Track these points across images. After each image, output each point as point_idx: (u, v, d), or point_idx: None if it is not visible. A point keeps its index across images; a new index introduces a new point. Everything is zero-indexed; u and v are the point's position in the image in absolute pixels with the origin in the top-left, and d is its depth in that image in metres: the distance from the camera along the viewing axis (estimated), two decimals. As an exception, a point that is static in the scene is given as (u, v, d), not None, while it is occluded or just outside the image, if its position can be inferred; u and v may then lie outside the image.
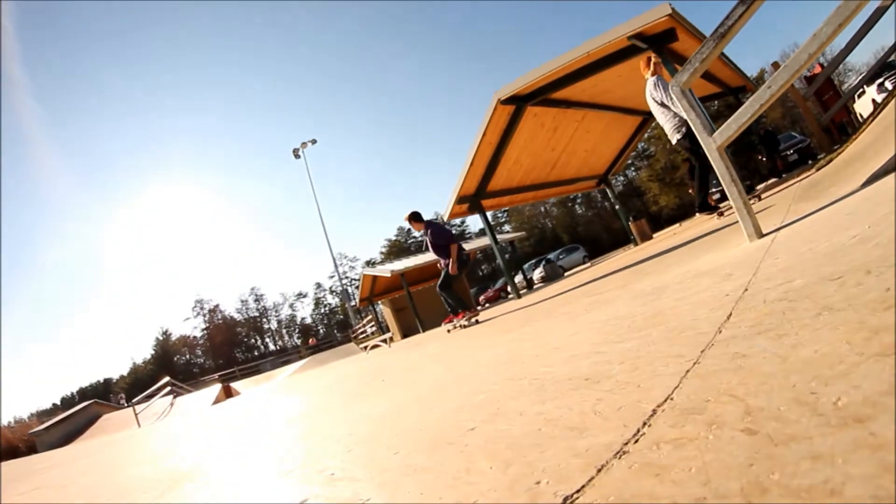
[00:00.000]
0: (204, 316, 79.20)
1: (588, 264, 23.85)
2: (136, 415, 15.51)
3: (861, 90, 12.43)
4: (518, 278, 23.84)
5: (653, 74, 6.05)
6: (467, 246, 24.22)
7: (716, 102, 23.38)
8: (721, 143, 2.86)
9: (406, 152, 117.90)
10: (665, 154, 47.19)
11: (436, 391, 2.29)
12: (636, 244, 15.47)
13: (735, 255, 2.57)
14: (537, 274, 26.81)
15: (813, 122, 9.48)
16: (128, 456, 4.80)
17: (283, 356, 48.98)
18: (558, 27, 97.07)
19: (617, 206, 18.67)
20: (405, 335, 18.70)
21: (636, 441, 0.89)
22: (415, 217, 7.02)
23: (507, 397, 1.57)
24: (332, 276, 77.93)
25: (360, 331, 26.88)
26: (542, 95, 9.85)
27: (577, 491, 0.79)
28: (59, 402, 77.64)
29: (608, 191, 18.32)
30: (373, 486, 1.21)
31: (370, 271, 23.18)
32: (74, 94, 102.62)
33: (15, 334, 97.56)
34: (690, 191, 14.88)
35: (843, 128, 12.47)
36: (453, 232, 7.23)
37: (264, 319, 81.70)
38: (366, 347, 16.70)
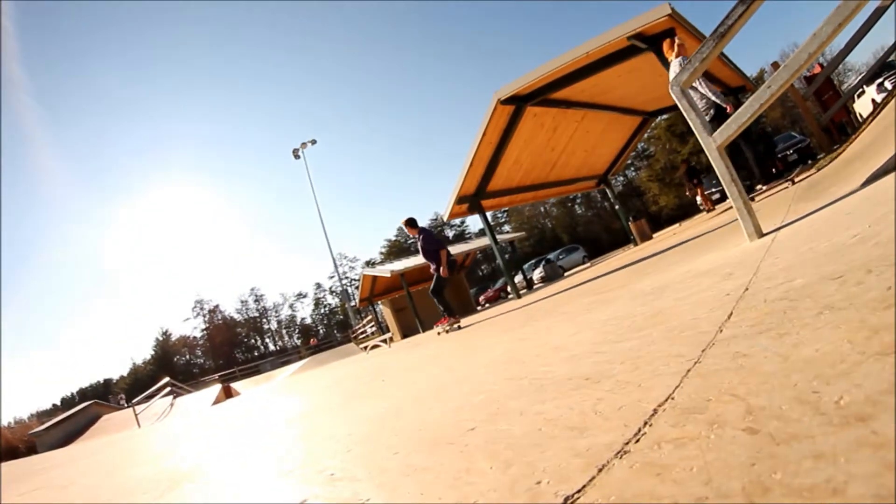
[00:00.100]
0: (204, 316, 79.21)
1: (588, 264, 23.85)
2: (136, 415, 15.50)
3: (861, 90, 12.44)
4: (518, 278, 23.84)
5: (677, 56, 5.94)
6: (467, 247, 24.37)
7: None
8: (721, 142, 2.85)
9: (406, 152, 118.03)
10: (665, 154, 47.22)
11: (436, 391, 2.29)
12: (636, 244, 15.47)
13: (735, 254, 2.57)
14: (537, 274, 26.80)
15: (812, 121, 9.49)
16: (128, 456, 4.79)
17: (283, 356, 48.96)
18: (558, 27, 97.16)
19: (617, 207, 18.67)
20: (405, 335, 18.70)
21: (637, 441, 0.88)
22: (410, 223, 7.63)
23: (508, 397, 1.57)
24: (331, 277, 77.96)
25: (359, 331, 26.88)
26: (541, 95, 9.85)
27: (578, 491, 0.79)
28: (59, 403, 77.65)
29: (608, 191, 18.32)
30: (372, 486, 1.21)
31: (370, 271, 23.16)
32: (74, 95, 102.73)
33: (14, 334, 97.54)
34: (688, 193, 14.89)
35: (843, 128, 12.47)
36: (449, 236, 7.37)
37: (264, 320, 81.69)
38: (366, 348, 16.70)
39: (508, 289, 21.07)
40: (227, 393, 19.41)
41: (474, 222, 67.08)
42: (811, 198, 3.53)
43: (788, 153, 15.58)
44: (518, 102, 10.00)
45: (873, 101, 11.90)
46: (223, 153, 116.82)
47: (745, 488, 0.61)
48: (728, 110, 5.50)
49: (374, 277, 22.45)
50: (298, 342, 73.51)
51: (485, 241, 22.22)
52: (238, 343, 79.65)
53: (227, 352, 75.82)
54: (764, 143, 13.59)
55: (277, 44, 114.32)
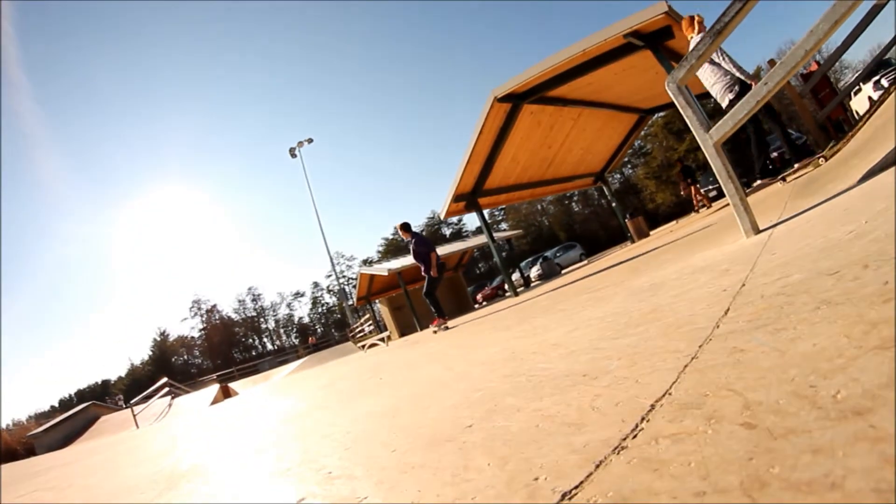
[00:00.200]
0: (201, 316, 78.97)
1: (585, 262, 23.87)
2: (134, 416, 15.48)
3: (857, 87, 12.46)
4: (515, 276, 23.87)
5: (698, 34, 5.86)
6: (464, 245, 24.43)
7: (712, 100, 23.44)
8: (717, 139, 2.86)
9: (403, 150, 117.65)
10: (662, 151, 47.30)
11: (433, 389, 2.29)
12: (633, 241, 15.49)
13: (732, 250, 2.58)
14: (534, 272, 26.84)
15: (809, 119, 9.50)
16: (126, 457, 4.78)
17: (281, 356, 48.91)
18: (555, 25, 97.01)
19: (613, 204, 18.69)
20: (403, 334, 18.70)
21: (634, 436, 0.88)
22: (405, 227, 8.16)
23: (505, 394, 1.57)
24: (329, 276, 77.83)
25: (357, 330, 26.82)
26: (538, 93, 9.84)
27: (576, 487, 0.78)
28: (57, 404, 77.40)
29: (605, 188, 18.34)
30: (370, 483, 1.21)
31: (367, 270, 23.13)
32: (73, 96, 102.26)
33: (13, 334, 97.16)
34: (682, 192, 14.92)
35: (840, 125, 12.49)
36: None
37: (262, 319, 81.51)
38: (364, 346, 16.69)
39: (506, 286, 21.10)
40: (226, 393, 19.42)
41: (471, 220, 67.19)
42: (808, 194, 3.54)
43: (785, 150, 15.60)
44: (515, 100, 10.00)
45: (870, 98, 11.92)
46: (221, 152, 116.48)
47: (742, 483, 0.61)
48: (753, 85, 5.37)
49: (372, 276, 22.42)
50: (296, 341, 73.45)
51: (482, 239, 22.23)
52: (236, 343, 79.49)
53: (224, 352, 75.66)
54: (759, 138, 13.56)
55: (275, 43, 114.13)
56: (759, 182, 6.60)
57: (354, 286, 27.87)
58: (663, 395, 1.01)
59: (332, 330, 71.95)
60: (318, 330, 76.97)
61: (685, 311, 1.67)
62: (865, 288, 1.06)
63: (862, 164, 3.07)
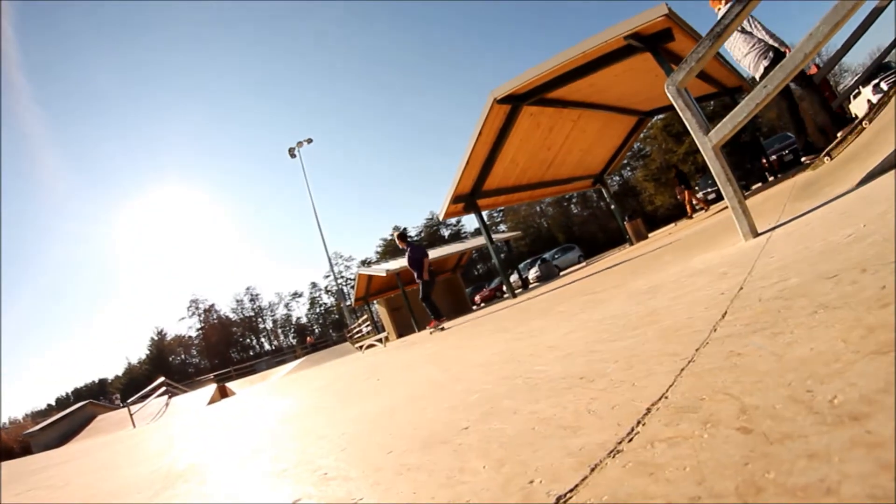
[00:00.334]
0: (199, 315, 78.87)
1: (583, 264, 23.88)
2: (131, 415, 15.43)
3: (857, 91, 12.48)
4: (513, 278, 23.84)
5: (725, 4, 5.60)
6: (463, 246, 24.50)
7: (712, 103, 23.44)
8: (717, 142, 2.86)
9: (402, 151, 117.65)
10: (661, 154, 47.32)
11: (430, 390, 2.29)
12: (631, 244, 15.50)
13: (730, 253, 2.57)
14: (533, 273, 26.84)
15: (809, 122, 9.51)
16: (123, 456, 4.77)
17: (279, 356, 48.88)
18: (555, 26, 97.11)
19: (612, 206, 18.71)
20: (401, 335, 18.69)
21: (630, 440, 0.88)
22: (401, 236, 9.15)
23: (502, 396, 1.56)
24: (327, 276, 77.58)
25: (355, 330, 26.80)
26: (538, 95, 9.85)
27: (571, 490, 0.78)
28: (53, 403, 77.23)
29: (604, 190, 18.37)
30: (366, 485, 1.21)
31: (366, 271, 23.10)
32: (73, 97, 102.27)
33: (13, 334, 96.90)
34: (678, 196, 14.94)
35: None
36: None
37: (260, 319, 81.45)
38: (361, 347, 16.67)
39: (504, 288, 21.10)
40: (223, 393, 19.40)
41: (470, 221, 67.18)
42: (807, 197, 3.54)
43: (784, 153, 15.64)
44: (514, 102, 10.00)
45: (869, 101, 11.95)
46: (221, 152, 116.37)
47: (738, 488, 0.61)
48: (787, 53, 5.00)
49: (370, 277, 22.41)
50: (294, 342, 73.35)
51: (480, 240, 22.21)
52: (233, 342, 79.37)
53: (222, 351, 75.53)
54: (752, 145, 13.54)
55: (274, 42, 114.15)
56: (804, 159, 6.16)
57: (352, 287, 27.85)
58: (659, 399, 1.01)
59: (330, 330, 71.86)
60: (316, 330, 76.85)
61: (683, 314, 1.67)
62: (864, 292, 1.05)
63: (861, 167, 3.07)
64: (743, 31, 5.44)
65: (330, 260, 31.99)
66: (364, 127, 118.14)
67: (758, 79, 5.48)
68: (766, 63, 5.39)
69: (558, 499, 0.77)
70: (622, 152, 16.82)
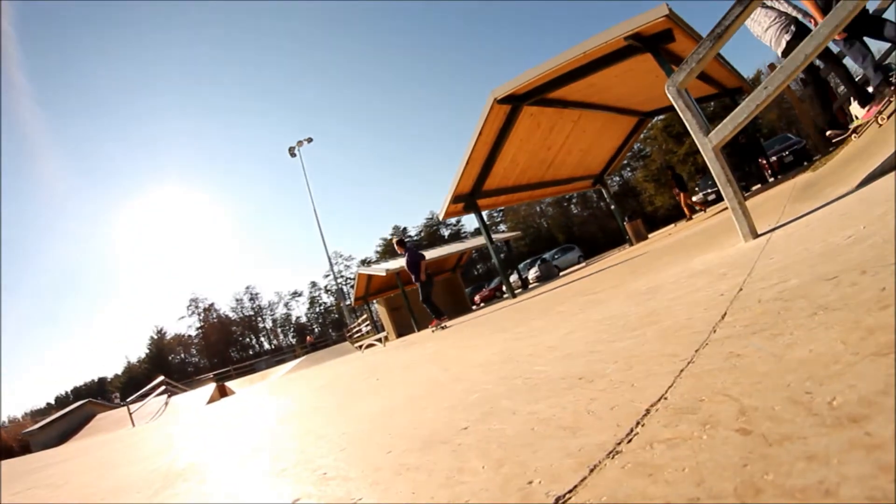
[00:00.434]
0: (199, 315, 78.82)
1: (583, 264, 23.87)
2: (130, 414, 15.43)
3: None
4: (513, 278, 23.82)
5: None
6: (462, 246, 24.55)
7: (712, 104, 23.48)
8: (717, 143, 2.86)
9: (402, 151, 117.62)
10: (661, 155, 47.33)
11: (429, 390, 2.29)
12: (631, 244, 15.50)
13: (730, 255, 2.57)
14: (532, 273, 26.81)
15: (809, 123, 9.52)
16: (122, 455, 4.77)
17: (278, 355, 48.88)
18: (556, 27, 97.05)
19: (612, 207, 18.73)
20: (400, 334, 18.68)
21: (629, 441, 0.88)
22: (399, 243, 9.68)
23: (501, 396, 1.57)
24: (327, 275, 77.53)
25: (355, 330, 26.80)
26: (538, 95, 9.86)
27: (570, 491, 0.78)
28: (53, 402, 77.20)
29: (603, 191, 18.38)
30: (365, 485, 1.21)
31: (365, 270, 23.09)
32: (72, 97, 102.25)
33: (13, 334, 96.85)
34: (677, 198, 14.94)
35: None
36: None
37: (259, 318, 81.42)
38: (361, 346, 16.68)
39: (503, 288, 21.10)
40: (222, 392, 19.40)
41: (470, 221, 67.15)
42: (807, 198, 3.54)
43: (784, 154, 15.63)
44: (515, 102, 10.01)
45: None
46: (219, 151, 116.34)
47: (737, 489, 0.61)
48: (813, 24, 4.78)
49: (370, 276, 22.40)
50: (293, 341, 73.33)
51: (480, 240, 22.22)
52: (233, 342, 79.33)
53: (221, 350, 75.48)
54: (752, 146, 13.50)
55: (274, 42, 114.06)
56: (829, 133, 6.00)
57: (352, 286, 27.82)
58: (659, 400, 1.01)
59: (330, 330, 71.83)
60: (316, 330, 76.83)
61: (682, 315, 1.67)
62: (863, 294, 1.05)
63: (861, 169, 3.07)
64: (764, 5, 5.18)
65: (330, 259, 32.00)
66: (364, 126, 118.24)
67: (780, 55, 5.22)
68: (787, 37, 5.10)
69: (557, 499, 0.77)
70: (622, 153, 16.83)
